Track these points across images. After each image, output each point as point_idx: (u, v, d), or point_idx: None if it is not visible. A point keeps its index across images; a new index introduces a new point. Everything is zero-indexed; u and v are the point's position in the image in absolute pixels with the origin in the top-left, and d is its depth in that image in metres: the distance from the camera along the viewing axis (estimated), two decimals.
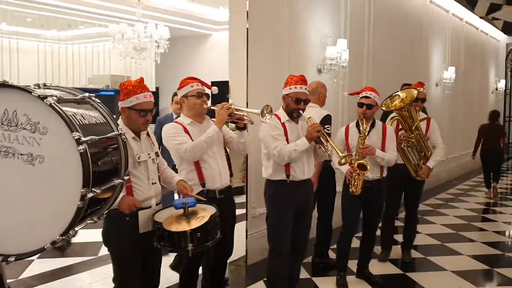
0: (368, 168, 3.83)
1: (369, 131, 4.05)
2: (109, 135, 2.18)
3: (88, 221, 2.14)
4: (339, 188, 4.53)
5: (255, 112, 3.31)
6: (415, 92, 4.45)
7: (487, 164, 8.97)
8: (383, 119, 5.19)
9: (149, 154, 2.92)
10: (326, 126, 4.38)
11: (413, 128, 4.58)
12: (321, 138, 3.48)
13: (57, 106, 1.83)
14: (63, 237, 1.86)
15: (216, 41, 12.05)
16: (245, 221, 4.83)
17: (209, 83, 3.62)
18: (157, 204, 2.95)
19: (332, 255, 4.90)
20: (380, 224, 5.01)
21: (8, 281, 4.17)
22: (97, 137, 1.98)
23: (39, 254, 2.40)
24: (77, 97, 2.17)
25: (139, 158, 2.82)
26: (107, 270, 4.40)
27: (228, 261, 3.85)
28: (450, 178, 10.23)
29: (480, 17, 11.51)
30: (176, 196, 3.97)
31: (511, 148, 14.76)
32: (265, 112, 3.25)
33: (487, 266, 4.99)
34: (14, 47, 10.12)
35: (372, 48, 7.04)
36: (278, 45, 5.17)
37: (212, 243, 2.78)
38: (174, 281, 3.93)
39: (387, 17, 7.46)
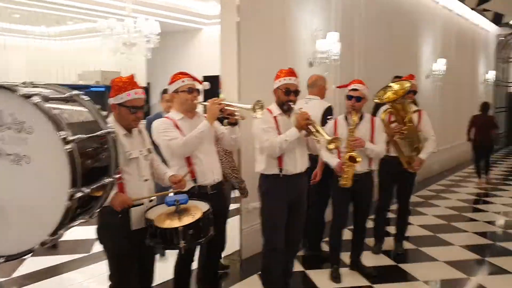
0: (358, 160, 3.84)
1: (358, 124, 4.06)
2: (98, 133, 2.15)
3: (79, 220, 2.13)
4: None
5: (246, 107, 3.29)
6: (408, 84, 4.45)
7: (478, 155, 9.13)
8: (375, 111, 5.20)
9: (140, 151, 2.90)
10: (328, 117, 4.43)
11: (405, 120, 4.59)
12: (310, 127, 3.47)
13: (43, 105, 1.81)
14: (53, 238, 1.85)
15: (207, 36, 11.97)
16: (239, 216, 4.83)
17: (201, 78, 3.60)
18: (150, 201, 2.94)
19: (325, 247, 4.93)
20: (373, 216, 5.04)
21: (0, 280, 4.15)
22: (86, 136, 1.95)
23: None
24: (64, 95, 2.13)
25: (130, 155, 2.80)
26: (100, 267, 4.38)
27: (222, 255, 3.85)
28: (442, 170, 10.29)
29: (471, 8, 11.52)
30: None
31: (502, 139, 14.86)
32: (256, 107, 3.24)
33: (478, 256, 5.04)
34: (2, 44, 10.01)
35: (363, 41, 7.04)
36: (269, 39, 5.15)
37: (204, 240, 2.78)
38: (168, 278, 3.92)
39: (377, 9, 7.45)
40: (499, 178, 9.95)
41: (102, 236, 2.87)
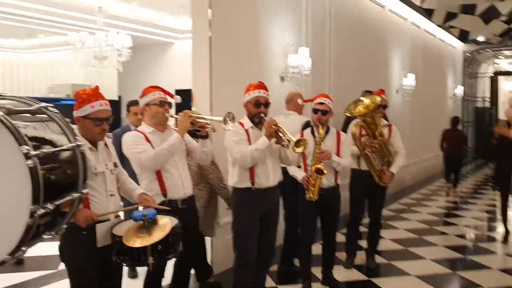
0: (325, 172, 3.85)
1: (323, 138, 4.08)
2: (65, 147, 2.10)
3: (44, 237, 2.06)
4: None
5: (217, 119, 3.28)
6: (379, 98, 4.52)
7: (449, 167, 9.49)
8: (346, 125, 5.25)
9: (106, 165, 2.81)
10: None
11: (376, 134, 4.64)
12: (278, 133, 3.46)
13: (5, 118, 1.75)
14: (13, 256, 1.77)
15: (179, 50, 11.97)
16: None
17: (173, 91, 3.58)
18: (116, 217, 2.86)
19: (298, 262, 4.90)
20: (344, 230, 5.05)
21: None
22: (51, 150, 1.90)
23: None
24: (32, 108, 2.08)
25: (95, 169, 2.71)
26: (67, 285, 4.25)
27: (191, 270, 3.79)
28: (412, 183, 10.45)
29: (438, 25, 11.84)
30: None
31: (470, 153, 15.20)
32: (227, 119, 3.23)
33: (449, 269, 5.10)
34: None
35: (334, 56, 7.14)
36: (241, 54, 5.17)
37: (173, 256, 2.72)
38: None
39: (347, 25, 7.58)
40: (467, 192, 10.15)
41: (63, 253, 2.74)
